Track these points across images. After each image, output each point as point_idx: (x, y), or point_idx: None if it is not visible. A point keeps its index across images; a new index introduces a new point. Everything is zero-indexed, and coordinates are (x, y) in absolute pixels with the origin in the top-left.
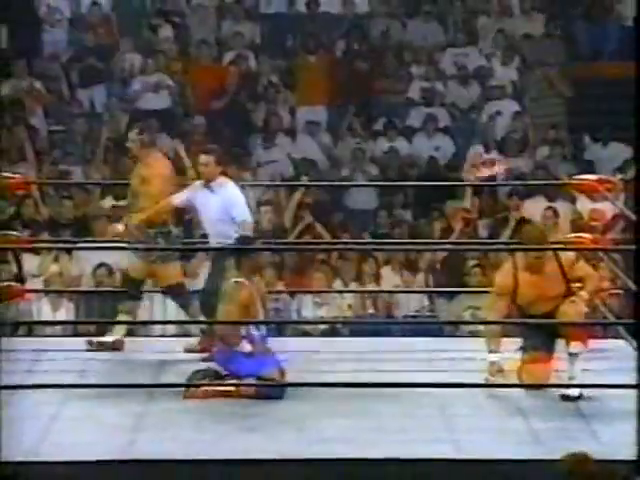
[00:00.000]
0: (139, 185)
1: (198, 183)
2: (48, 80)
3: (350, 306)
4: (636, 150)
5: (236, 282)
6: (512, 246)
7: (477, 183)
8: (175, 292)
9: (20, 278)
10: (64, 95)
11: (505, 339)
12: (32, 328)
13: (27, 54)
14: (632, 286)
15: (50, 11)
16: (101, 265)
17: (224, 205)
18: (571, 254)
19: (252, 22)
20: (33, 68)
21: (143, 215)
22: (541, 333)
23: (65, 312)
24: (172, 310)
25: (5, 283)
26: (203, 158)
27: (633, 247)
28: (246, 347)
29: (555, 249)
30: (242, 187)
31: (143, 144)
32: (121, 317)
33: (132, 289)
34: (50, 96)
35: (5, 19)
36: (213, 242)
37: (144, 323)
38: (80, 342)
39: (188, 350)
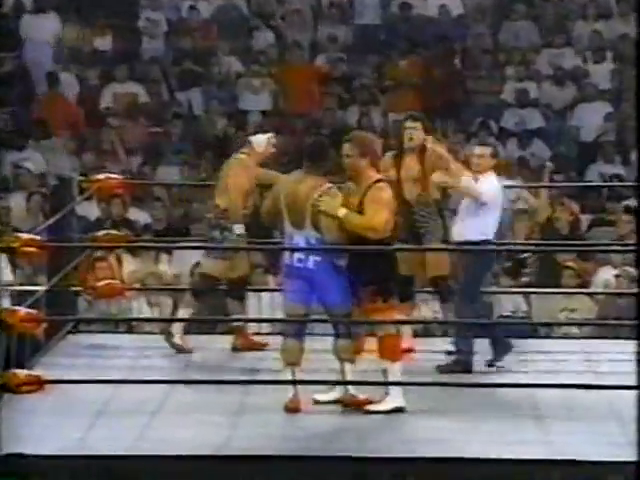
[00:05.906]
0: None
1: None
2: (148, 83)
3: None
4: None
5: None
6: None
7: (570, 184)
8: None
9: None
10: (163, 97)
11: None
12: (132, 325)
13: (128, 59)
14: None
15: (150, 18)
16: (197, 265)
17: None
18: None
19: (346, 25)
20: (134, 72)
21: None
22: None
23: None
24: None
25: (106, 281)
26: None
27: None
28: None
29: None
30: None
31: None
32: None
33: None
34: (149, 98)
35: (109, 26)
36: None
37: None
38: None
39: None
